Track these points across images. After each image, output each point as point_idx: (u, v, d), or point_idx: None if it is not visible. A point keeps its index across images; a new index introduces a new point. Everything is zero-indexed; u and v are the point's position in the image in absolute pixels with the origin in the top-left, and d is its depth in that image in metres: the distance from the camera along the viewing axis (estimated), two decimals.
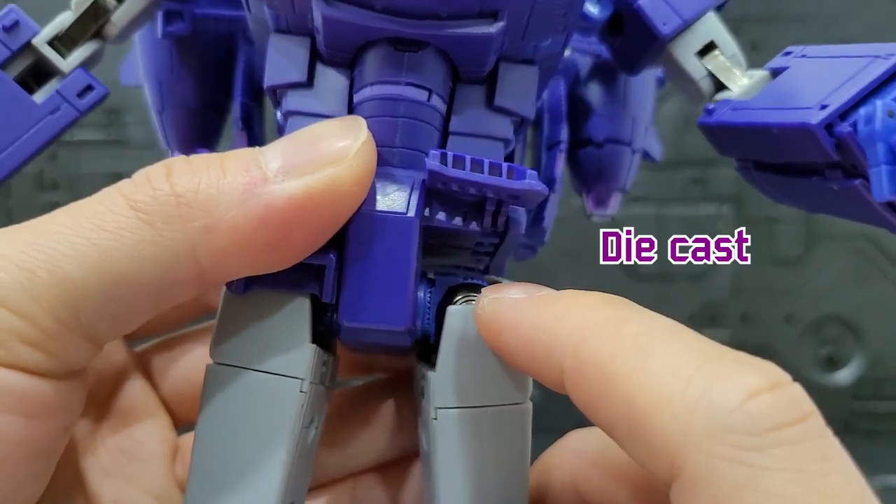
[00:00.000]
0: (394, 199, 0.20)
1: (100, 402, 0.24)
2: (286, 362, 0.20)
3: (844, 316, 0.81)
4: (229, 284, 0.21)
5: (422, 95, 0.21)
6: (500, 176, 0.19)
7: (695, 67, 0.24)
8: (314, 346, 0.21)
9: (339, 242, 0.20)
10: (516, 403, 0.22)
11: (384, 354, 0.24)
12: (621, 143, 0.29)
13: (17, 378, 0.17)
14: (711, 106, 0.24)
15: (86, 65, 0.24)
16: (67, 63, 0.23)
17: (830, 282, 0.80)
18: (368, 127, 0.20)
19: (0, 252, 0.17)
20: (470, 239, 0.22)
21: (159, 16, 0.27)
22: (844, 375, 0.81)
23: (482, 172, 0.19)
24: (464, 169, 0.19)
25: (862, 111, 0.20)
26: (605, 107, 0.30)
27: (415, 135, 0.20)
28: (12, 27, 0.22)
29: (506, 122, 0.22)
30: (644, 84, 0.28)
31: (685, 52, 0.24)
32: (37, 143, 0.22)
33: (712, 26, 0.24)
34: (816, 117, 0.21)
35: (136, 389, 0.25)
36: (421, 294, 0.21)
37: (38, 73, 0.23)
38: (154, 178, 0.18)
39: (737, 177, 0.82)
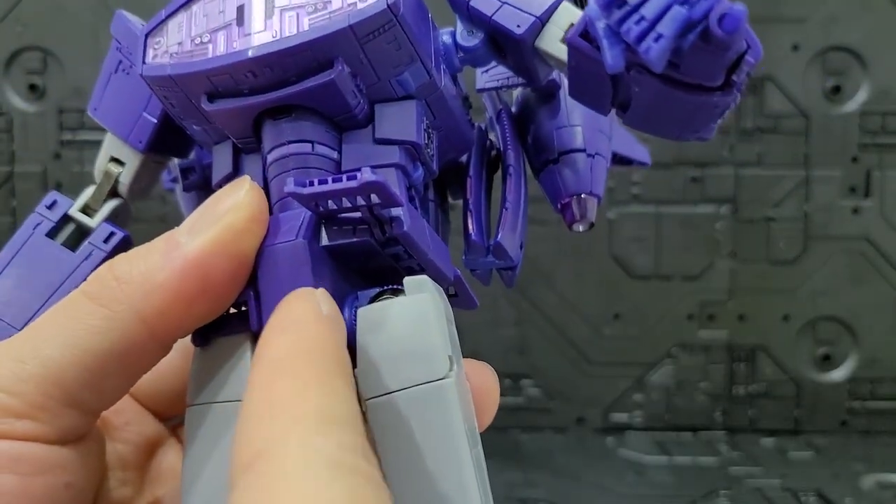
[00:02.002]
0: (286, 231, 0.23)
1: (139, 468, 0.28)
2: (235, 390, 0.23)
3: (841, 315, 0.81)
4: (194, 340, 0.25)
5: (305, 148, 0.25)
6: (341, 182, 0.22)
7: (563, 52, 0.25)
8: None
9: (255, 281, 0.24)
10: (432, 381, 0.22)
11: None
12: (575, 151, 0.31)
13: (9, 444, 0.21)
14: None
15: (114, 219, 0.30)
16: (95, 221, 0.30)
17: (827, 282, 0.81)
18: (273, 186, 0.25)
19: None
20: (382, 255, 0.24)
21: (179, 173, 0.33)
22: (840, 374, 0.82)
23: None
24: (313, 186, 0.22)
25: (587, 9, 0.22)
26: (551, 124, 0.31)
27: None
28: (52, 205, 0.30)
29: (393, 150, 0.25)
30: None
31: (551, 42, 0.26)
32: (77, 282, 0.27)
33: (570, 13, 0.26)
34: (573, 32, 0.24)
35: (170, 455, 0.29)
36: (347, 311, 0.24)
37: (82, 235, 0.30)
38: (100, 273, 0.23)
39: (735, 177, 0.83)
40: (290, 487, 0.17)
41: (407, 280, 0.23)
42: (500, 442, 0.79)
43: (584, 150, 0.31)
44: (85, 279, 0.27)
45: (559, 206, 0.31)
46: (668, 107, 0.24)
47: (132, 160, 0.30)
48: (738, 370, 0.82)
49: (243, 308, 0.24)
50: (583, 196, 0.30)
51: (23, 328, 0.26)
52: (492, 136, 0.32)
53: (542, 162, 0.31)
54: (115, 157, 0.30)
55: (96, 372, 0.22)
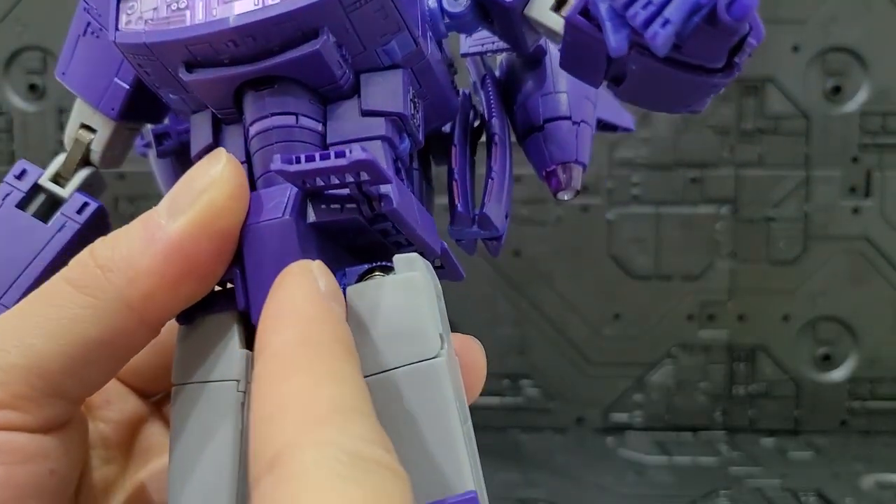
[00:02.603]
0: (272, 209, 0.23)
1: (122, 447, 0.28)
2: (223, 369, 0.23)
3: (841, 316, 0.81)
4: (178, 319, 0.24)
5: (289, 120, 0.24)
6: (329, 159, 0.21)
7: (553, 20, 0.25)
8: (244, 350, 0.23)
9: (241, 259, 0.23)
10: (424, 360, 0.22)
11: None
12: (560, 119, 0.30)
13: None
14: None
15: (86, 188, 0.29)
16: (67, 190, 0.28)
17: (827, 282, 0.81)
18: (256, 160, 0.24)
19: None
20: (370, 231, 0.24)
21: (153, 139, 0.32)
22: (840, 374, 0.82)
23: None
24: (300, 163, 0.22)
25: None
26: (537, 91, 0.30)
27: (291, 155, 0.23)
28: (21, 174, 0.28)
29: (379, 122, 0.24)
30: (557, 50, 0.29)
31: (541, 10, 0.25)
32: (50, 255, 0.27)
33: None
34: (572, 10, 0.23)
35: (153, 432, 0.29)
36: None
37: (54, 205, 0.28)
38: (81, 259, 0.23)
39: (735, 178, 0.83)
40: (313, 488, 0.17)
41: (397, 258, 0.23)
42: (500, 442, 0.79)
43: (569, 118, 0.30)
44: (59, 252, 0.27)
45: (544, 173, 0.30)
46: (664, 84, 0.24)
47: (104, 127, 0.29)
48: (738, 370, 0.82)
49: (228, 285, 0.24)
50: (568, 164, 0.30)
51: None
52: (475, 102, 0.31)
53: (527, 129, 0.30)
54: (86, 124, 0.29)
55: (81, 360, 0.22)
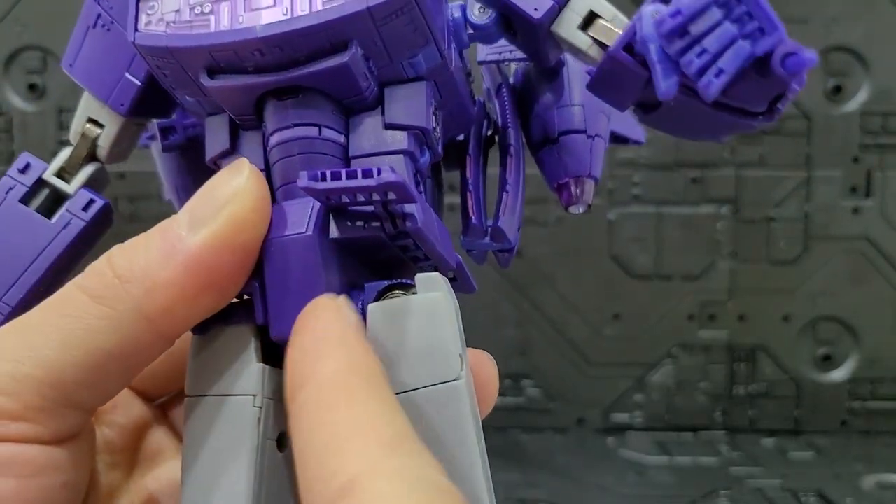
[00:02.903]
0: (295, 223, 0.23)
1: (127, 452, 0.28)
2: (240, 383, 0.23)
3: (841, 316, 0.81)
4: (193, 328, 0.24)
5: (312, 132, 0.24)
6: (357, 178, 0.21)
7: (580, 40, 0.25)
8: (262, 364, 0.23)
9: (261, 272, 0.23)
10: (446, 382, 0.22)
11: None
12: (575, 132, 0.30)
13: (4, 447, 0.21)
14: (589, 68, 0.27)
15: (91, 184, 0.28)
16: (72, 186, 0.28)
17: (827, 282, 0.81)
18: (276, 170, 0.24)
19: None
20: (390, 247, 0.24)
21: (158, 132, 0.31)
22: (841, 374, 0.82)
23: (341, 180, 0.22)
24: (326, 181, 0.21)
25: (636, 25, 0.21)
26: (553, 103, 0.30)
27: (313, 167, 0.23)
28: (25, 168, 0.28)
29: (402, 136, 0.24)
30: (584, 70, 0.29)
31: (569, 28, 0.25)
32: (55, 253, 0.26)
33: None
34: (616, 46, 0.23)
35: (159, 436, 0.28)
36: (354, 304, 0.23)
37: (58, 201, 0.28)
38: (98, 267, 0.22)
39: (735, 178, 0.83)
40: None
41: (419, 277, 0.23)
42: (500, 442, 0.79)
43: (584, 132, 0.30)
44: (64, 249, 0.26)
45: (556, 185, 0.30)
46: (699, 120, 0.24)
47: (112, 123, 0.28)
48: (739, 370, 0.82)
49: (245, 297, 0.24)
50: (581, 178, 0.30)
51: None
52: (489, 109, 0.31)
53: (542, 141, 0.30)
54: (94, 119, 0.28)
55: (95, 371, 0.22)
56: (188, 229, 0.22)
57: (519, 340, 0.82)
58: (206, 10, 0.23)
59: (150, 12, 0.24)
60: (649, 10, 0.21)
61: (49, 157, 0.29)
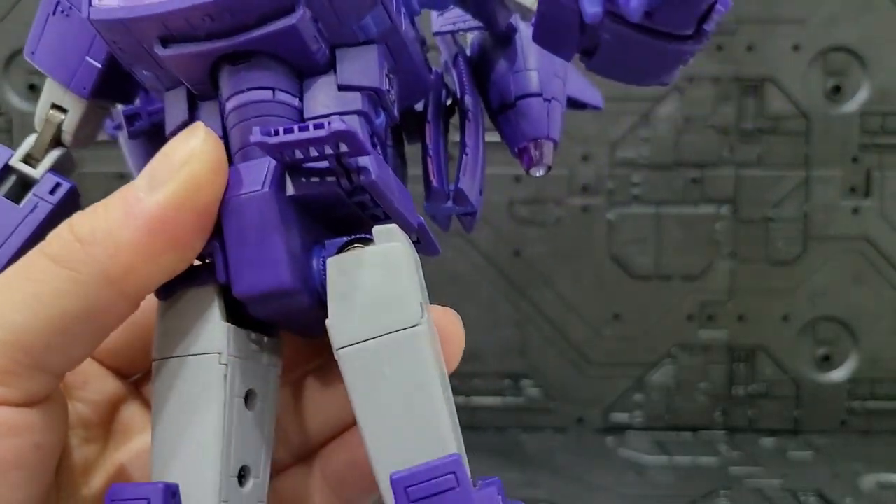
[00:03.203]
0: (251, 182, 0.23)
1: (101, 427, 0.28)
2: (205, 342, 0.24)
3: (840, 316, 0.81)
4: (158, 294, 0.24)
5: (266, 95, 0.24)
6: (308, 131, 0.22)
7: None
8: (226, 323, 0.24)
9: (220, 232, 0.23)
10: (405, 328, 0.23)
11: (319, 335, 0.26)
12: (531, 96, 0.30)
13: None
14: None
15: (57, 168, 0.29)
16: (38, 171, 0.28)
17: (826, 282, 0.81)
18: (233, 135, 0.24)
19: None
20: (349, 204, 0.24)
21: (124, 120, 0.32)
22: (840, 374, 0.82)
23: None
24: (279, 135, 0.22)
25: None
26: (508, 69, 0.31)
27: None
28: None
29: (356, 97, 0.25)
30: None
31: None
32: (23, 237, 0.27)
33: None
34: None
35: (132, 411, 0.29)
36: (315, 261, 0.24)
37: (25, 186, 0.28)
38: (60, 233, 0.23)
39: (735, 178, 0.83)
40: None
41: (376, 229, 0.23)
42: (500, 442, 0.79)
43: (540, 95, 0.31)
44: (32, 232, 0.27)
45: (516, 150, 0.31)
46: (636, 54, 0.24)
47: (76, 107, 0.29)
48: (738, 370, 0.82)
49: (207, 260, 0.24)
50: (540, 140, 0.30)
51: None
52: (447, 81, 0.32)
53: (499, 107, 0.31)
54: (57, 104, 0.29)
55: (62, 334, 0.22)
56: (147, 191, 0.22)
57: (519, 340, 0.82)
58: None
59: None
60: None
61: None
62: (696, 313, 0.82)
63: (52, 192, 0.28)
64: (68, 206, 0.28)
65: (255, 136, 0.22)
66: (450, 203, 0.29)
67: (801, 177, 0.80)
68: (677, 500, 0.70)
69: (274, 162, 0.23)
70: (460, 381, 0.82)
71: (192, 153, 0.23)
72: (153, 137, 0.32)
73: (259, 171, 0.23)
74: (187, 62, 0.24)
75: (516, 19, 0.30)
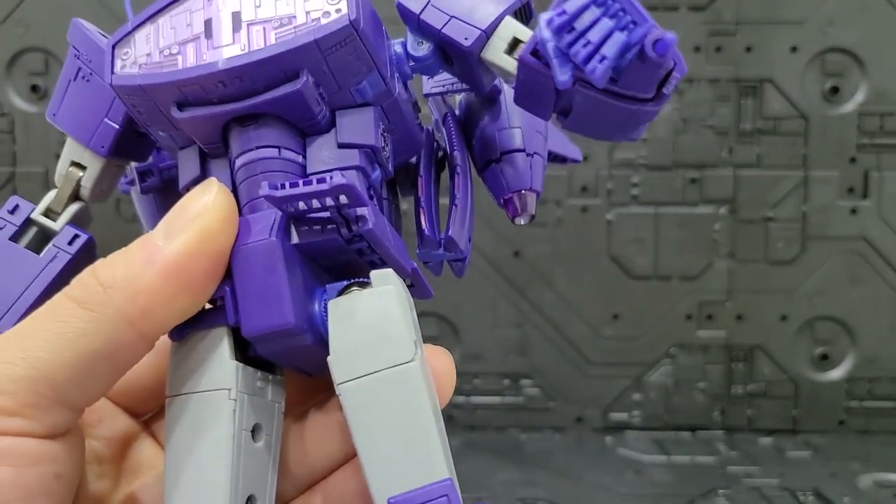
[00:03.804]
0: (259, 231, 0.25)
1: (114, 462, 0.30)
2: (215, 380, 0.25)
3: (838, 315, 0.82)
4: (171, 335, 0.26)
5: (273, 153, 0.26)
6: (312, 185, 0.24)
7: (507, 62, 0.28)
8: (235, 362, 0.26)
9: (231, 277, 0.25)
10: (400, 364, 0.25)
11: (319, 374, 0.28)
12: (515, 151, 0.33)
13: (2, 440, 0.23)
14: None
15: (76, 221, 0.31)
16: (59, 224, 0.30)
17: (825, 282, 0.81)
18: (242, 190, 0.26)
19: None
20: (348, 251, 0.26)
21: (136, 176, 0.34)
22: (838, 374, 0.82)
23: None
24: (286, 189, 0.24)
25: (537, 31, 0.25)
26: (494, 126, 0.33)
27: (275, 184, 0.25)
28: (14, 209, 0.30)
29: (354, 154, 0.27)
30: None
31: (496, 53, 0.28)
32: (43, 284, 0.29)
33: (512, 27, 0.28)
34: (526, 51, 0.26)
35: (143, 448, 0.30)
36: (317, 303, 0.26)
37: (45, 238, 0.31)
38: (83, 278, 0.25)
39: (733, 178, 0.83)
40: None
41: (373, 273, 0.26)
42: (500, 441, 0.79)
43: (523, 150, 0.33)
44: (52, 280, 0.29)
45: (502, 201, 0.33)
46: (605, 114, 0.26)
47: (94, 164, 0.31)
48: (737, 370, 0.82)
49: (218, 303, 0.26)
50: (523, 192, 0.32)
51: None
52: (438, 138, 0.34)
53: (486, 161, 0.33)
54: (77, 162, 0.31)
55: (84, 371, 0.24)
56: (164, 240, 0.24)
57: (518, 340, 0.82)
58: (174, 51, 0.26)
59: (124, 57, 0.27)
60: (545, 17, 0.24)
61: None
62: (694, 313, 0.82)
63: (70, 242, 0.30)
64: (86, 255, 0.30)
65: (264, 189, 0.24)
66: (441, 250, 0.31)
67: (799, 177, 0.80)
68: (676, 499, 0.70)
69: (280, 213, 0.25)
70: (461, 381, 0.82)
71: (205, 206, 0.25)
72: (163, 193, 0.35)
73: (266, 222, 0.25)
74: (201, 124, 0.26)
75: (500, 81, 0.32)
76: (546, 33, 0.24)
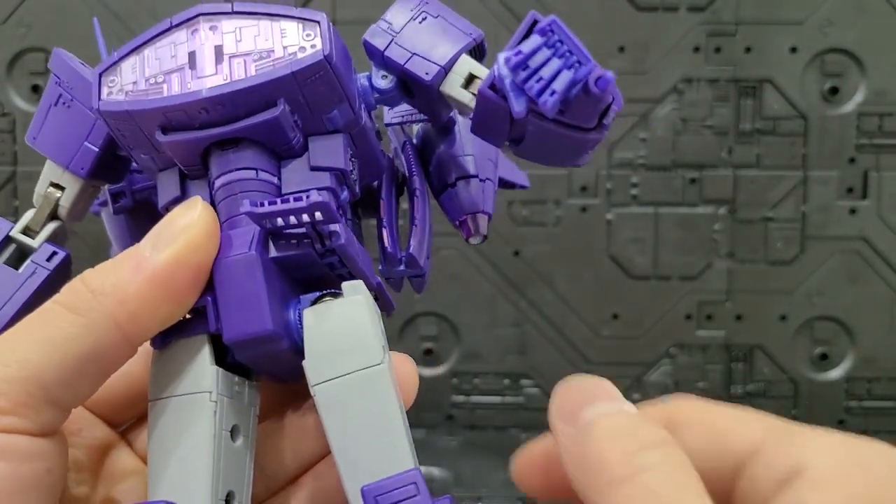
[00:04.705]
0: (239, 245, 0.27)
1: (93, 470, 0.31)
2: (197, 383, 0.27)
3: (838, 315, 0.82)
4: (153, 343, 0.28)
5: (250, 174, 0.28)
6: (290, 202, 0.26)
7: (464, 96, 0.31)
8: (215, 367, 0.27)
9: (213, 288, 0.27)
10: (370, 367, 0.27)
11: (294, 380, 0.30)
12: (469, 177, 0.35)
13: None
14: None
15: (53, 239, 0.32)
16: (37, 241, 0.32)
17: (824, 282, 0.81)
18: (221, 208, 0.28)
19: None
20: (320, 265, 0.28)
21: (109, 197, 0.35)
22: (838, 374, 0.83)
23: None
24: (265, 206, 0.26)
25: (495, 67, 0.28)
26: (449, 154, 0.36)
27: (253, 203, 0.27)
28: None
29: (325, 176, 0.29)
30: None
31: (454, 88, 0.31)
32: (23, 298, 0.30)
33: (468, 64, 0.31)
34: (484, 86, 0.29)
35: (121, 456, 0.32)
36: (292, 312, 0.28)
37: (24, 255, 0.32)
38: (73, 285, 0.26)
39: (733, 178, 0.83)
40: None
41: (345, 284, 0.28)
42: (499, 441, 0.79)
43: (476, 176, 0.35)
44: (31, 295, 0.30)
45: (457, 223, 0.36)
46: (553, 141, 0.29)
47: (72, 185, 0.32)
48: (736, 370, 0.83)
49: (199, 313, 0.28)
50: (477, 214, 0.35)
51: None
52: (397, 164, 0.36)
53: (442, 185, 0.36)
54: (55, 183, 0.32)
55: (73, 372, 0.25)
56: (152, 251, 0.26)
57: (518, 340, 0.82)
58: (160, 80, 0.28)
59: (110, 85, 0.28)
60: (502, 56, 0.27)
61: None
62: (694, 313, 0.82)
63: (48, 259, 0.31)
64: (63, 272, 0.32)
65: (245, 207, 0.26)
66: (402, 267, 0.33)
67: (798, 177, 0.80)
68: None
69: (258, 229, 0.27)
70: (460, 380, 0.82)
71: (191, 221, 0.27)
72: (134, 213, 0.37)
73: (246, 237, 0.27)
74: (183, 147, 0.28)
75: (455, 113, 0.35)
76: (504, 70, 0.27)
